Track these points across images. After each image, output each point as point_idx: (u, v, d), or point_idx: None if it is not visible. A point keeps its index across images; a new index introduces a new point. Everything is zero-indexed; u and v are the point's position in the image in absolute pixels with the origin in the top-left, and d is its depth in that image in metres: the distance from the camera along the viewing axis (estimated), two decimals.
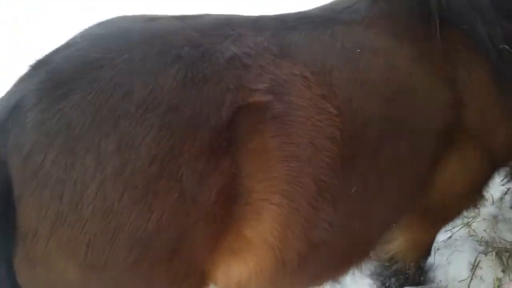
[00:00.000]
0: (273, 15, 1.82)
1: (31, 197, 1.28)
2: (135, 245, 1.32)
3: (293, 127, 1.51)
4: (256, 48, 1.55)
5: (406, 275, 2.46)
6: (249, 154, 1.44)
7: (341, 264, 1.86)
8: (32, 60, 1.47)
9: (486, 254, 2.73)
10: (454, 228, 2.89)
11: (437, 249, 2.81)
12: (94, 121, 1.28)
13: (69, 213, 1.27)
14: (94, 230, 1.28)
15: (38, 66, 1.41)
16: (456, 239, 2.86)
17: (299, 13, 1.88)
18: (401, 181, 1.78)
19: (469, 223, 2.96)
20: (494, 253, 2.72)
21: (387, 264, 2.37)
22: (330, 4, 2.01)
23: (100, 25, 1.57)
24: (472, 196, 2.04)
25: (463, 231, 2.92)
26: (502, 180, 2.76)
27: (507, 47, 1.88)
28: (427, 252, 2.48)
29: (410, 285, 2.49)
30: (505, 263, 2.67)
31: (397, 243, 2.16)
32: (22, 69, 1.46)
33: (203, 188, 1.36)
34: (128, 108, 1.29)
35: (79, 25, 1.64)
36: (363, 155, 1.64)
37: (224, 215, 1.44)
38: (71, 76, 1.33)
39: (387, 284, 2.54)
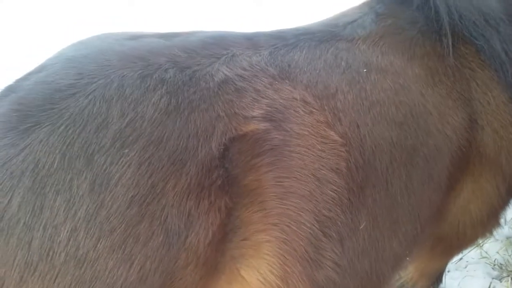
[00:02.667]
0: (271, 31, 1.65)
1: None
2: None
3: (293, 159, 1.34)
4: (252, 70, 1.38)
5: None
6: (244, 189, 1.27)
7: None
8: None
9: (500, 280, 2.55)
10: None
11: (448, 271, 2.63)
12: (64, 159, 1.10)
13: (39, 262, 1.09)
14: (68, 280, 1.10)
15: (6, 94, 1.24)
16: (467, 261, 2.69)
17: (299, 28, 1.71)
18: (414, 211, 1.60)
19: (481, 245, 2.79)
20: (510, 278, 2.53)
21: None
22: (332, 18, 1.84)
23: (76, 45, 1.40)
24: (488, 223, 1.86)
25: (474, 253, 2.74)
26: None
27: None
28: (438, 279, 2.29)
29: None
30: None
31: (407, 270, 1.99)
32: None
33: (196, 229, 1.18)
34: (102, 142, 1.12)
35: (70, 39, 1.47)
36: (373, 186, 1.47)
37: (217, 256, 1.26)
38: (39, 106, 1.15)
39: None
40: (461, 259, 2.72)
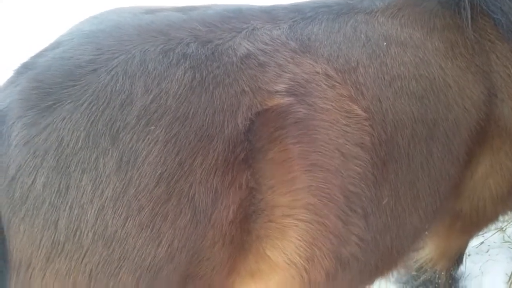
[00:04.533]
0: (288, 5, 1.58)
1: (21, 225, 1.07)
2: (143, 274, 1.11)
3: (318, 133, 1.29)
4: (273, 44, 1.32)
5: (436, 285, 2.25)
6: (270, 165, 1.22)
7: (370, 278, 1.65)
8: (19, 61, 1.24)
9: None
10: (486, 233, 2.63)
11: (468, 255, 2.56)
12: (88, 136, 1.05)
13: (66, 242, 1.06)
14: (96, 260, 1.07)
15: (22, 71, 1.18)
16: (489, 245, 2.61)
17: (315, 1, 1.64)
18: (434, 186, 1.56)
19: (504, 228, 2.69)
20: None
21: (415, 273, 2.16)
22: None
23: (91, 20, 1.33)
24: (509, 199, 1.82)
25: (497, 237, 2.66)
26: None
27: None
28: (458, 260, 2.26)
29: None
30: None
31: (426, 251, 1.96)
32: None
33: (219, 207, 1.15)
34: (127, 119, 1.07)
35: (75, 17, 1.41)
36: (395, 161, 1.43)
37: (243, 235, 1.22)
38: (59, 83, 1.10)
39: None
40: (482, 243, 2.64)
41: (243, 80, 1.20)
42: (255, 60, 1.25)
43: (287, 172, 1.25)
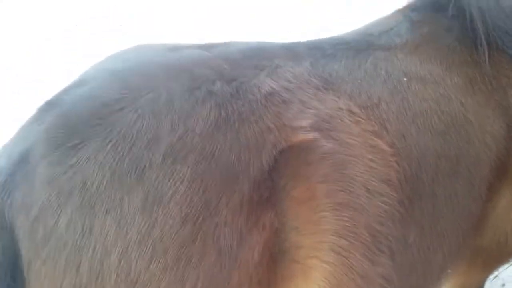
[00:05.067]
0: (307, 42, 1.59)
1: (43, 266, 1.03)
2: None
3: (345, 169, 1.27)
4: (296, 81, 1.31)
5: None
6: (294, 204, 1.19)
7: None
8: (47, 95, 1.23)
9: None
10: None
11: None
12: (114, 176, 1.03)
13: (88, 285, 1.02)
14: None
15: (47, 109, 1.17)
16: (503, 279, 2.54)
17: (333, 38, 1.65)
18: (457, 223, 1.52)
19: None
20: None
21: None
22: (365, 27, 1.77)
23: (115, 58, 1.33)
24: None
25: (511, 270, 2.59)
26: None
27: None
28: None
29: None
30: None
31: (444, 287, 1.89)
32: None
33: (244, 248, 1.11)
34: (153, 158, 1.05)
35: (104, 47, 1.40)
36: (420, 198, 1.39)
37: (270, 276, 1.18)
38: (86, 122, 1.08)
39: None
40: (496, 276, 2.57)
41: (268, 118, 1.18)
42: (279, 97, 1.24)
43: (312, 212, 1.22)
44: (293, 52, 1.46)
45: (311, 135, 1.22)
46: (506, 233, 1.72)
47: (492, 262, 1.90)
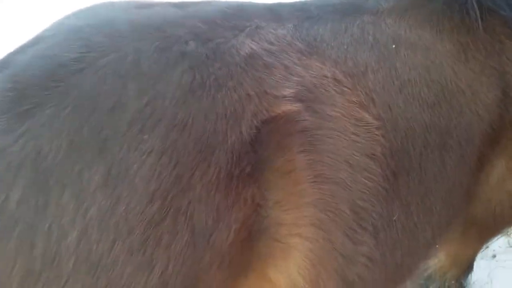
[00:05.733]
0: (292, 2, 1.46)
1: None
2: None
3: (325, 143, 1.16)
4: (279, 44, 1.19)
5: None
6: (276, 177, 1.09)
7: None
8: None
9: None
10: None
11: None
12: (71, 146, 0.90)
13: (43, 269, 0.90)
14: None
15: None
16: (494, 250, 2.49)
17: (320, 0, 1.52)
18: (447, 197, 1.45)
19: (509, 233, 2.57)
20: None
21: (423, 281, 2.03)
22: None
23: (78, 13, 1.17)
24: None
25: (502, 241, 2.54)
26: None
27: None
28: (469, 268, 2.14)
29: None
30: None
31: (436, 260, 1.83)
32: None
33: (220, 227, 1.00)
34: (117, 126, 0.92)
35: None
36: (406, 173, 1.31)
37: (244, 256, 1.08)
38: (39, 84, 0.94)
39: None
40: (487, 247, 2.51)
41: (248, 83, 1.06)
42: (260, 60, 1.11)
43: (294, 184, 1.12)
44: (276, 13, 1.33)
45: (294, 107, 1.10)
46: (502, 203, 1.66)
47: (487, 233, 1.85)
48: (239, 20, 1.21)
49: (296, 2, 1.47)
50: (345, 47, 1.32)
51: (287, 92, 1.11)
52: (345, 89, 1.24)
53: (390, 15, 1.46)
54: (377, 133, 1.24)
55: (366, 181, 1.22)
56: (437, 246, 1.55)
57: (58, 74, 0.94)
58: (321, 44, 1.29)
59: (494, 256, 2.47)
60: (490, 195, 1.63)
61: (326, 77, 1.21)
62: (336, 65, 1.26)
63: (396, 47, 1.38)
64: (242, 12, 1.26)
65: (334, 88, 1.22)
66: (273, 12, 1.32)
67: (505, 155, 1.57)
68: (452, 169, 1.42)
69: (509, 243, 2.56)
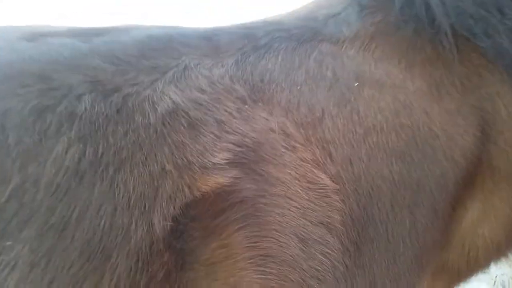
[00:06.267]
0: (235, 27, 1.19)
1: None
2: None
3: (271, 214, 0.92)
4: (213, 91, 0.92)
5: None
6: (206, 273, 0.83)
7: None
8: None
9: None
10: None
11: None
12: None
13: None
14: None
15: None
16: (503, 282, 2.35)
17: (270, 22, 1.25)
18: (418, 259, 1.24)
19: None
20: None
21: None
22: (307, 9, 1.38)
23: None
24: (507, 246, 1.53)
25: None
26: None
27: None
28: None
29: None
30: None
31: None
32: None
33: None
34: None
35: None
36: (371, 242, 1.08)
37: None
38: None
39: None
40: (495, 282, 2.36)
41: (165, 153, 0.79)
42: (184, 117, 0.84)
43: (231, 274, 0.86)
44: (214, 43, 1.06)
45: (228, 177, 0.84)
46: (477, 249, 1.46)
47: (458, 278, 1.66)
48: (163, 56, 0.93)
49: (239, 25, 1.20)
50: (299, 87, 1.07)
51: (220, 157, 0.85)
52: (297, 144, 0.99)
53: (353, 45, 1.22)
54: (335, 197, 1.01)
55: (322, 257, 0.98)
56: None
57: None
58: (269, 86, 1.03)
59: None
60: (463, 240, 1.44)
61: (273, 131, 0.96)
62: (286, 114, 1.01)
63: (359, 86, 1.15)
64: (169, 43, 0.98)
65: (283, 144, 0.97)
66: (210, 41, 1.05)
67: (480, 198, 1.38)
68: (424, 227, 1.21)
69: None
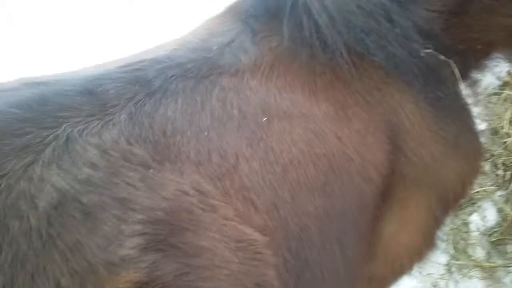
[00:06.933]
0: (121, 67, 1.02)
1: None
2: None
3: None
4: (107, 163, 0.76)
5: None
6: None
7: None
8: None
9: None
10: None
11: None
12: None
13: None
14: None
15: None
16: None
17: (159, 59, 1.09)
18: (350, 281, 1.20)
19: None
20: None
21: None
22: (199, 36, 1.25)
23: None
24: (425, 249, 1.56)
25: None
26: None
27: (432, 51, 1.36)
28: None
29: None
30: None
31: None
32: None
33: None
34: None
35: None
36: (309, 283, 1.01)
37: None
38: None
39: None
40: None
41: (56, 263, 0.62)
42: (76, 207, 0.68)
43: None
44: (98, 96, 0.88)
45: (143, 267, 0.69)
46: (401, 257, 1.47)
47: (385, 285, 1.67)
48: (36, 128, 0.74)
49: (125, 64, 1.03)
50: (206, 134, 0.95)
51: (129, 246, 0.70)
52: (215, 202, 0.87)
53: (254, 75, 1.12)
54: (267, 252, 0.91)
55: None
56: None
57: None
58: (174, 138, 0.89)
59: None
60: (386, 251, 1.44)
61: (187, 193, 0.83)
62: (198, 169, 0.88)
63: (268, 121, 1.06)
64: (43, 108, 0.79)
65: (200, 205, 0.84)
66: (94, 96, 0.88)
67: (397, 207, 1.38)
68: (352, 251, 1.17)
69: None
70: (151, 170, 0.80)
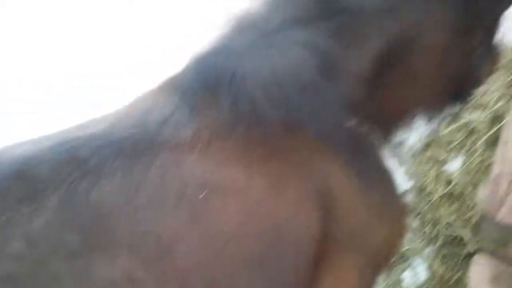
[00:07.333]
0: (52, 148, 0.98)
1: None
2: None
3: None
4: (34, 253, 0.72)
5: None
6: None
7: None
8: None
9: None
10: None
11: None
12: None
13: None
14: None
15: None
16: None
17: (97, 135, 1.08)
18: None
19: None
20: None
21: None
22: (133, 114, 1.24)
23: None
24: None
25: None
26: None
27: (356, 121, 1.42)
28: None
29: None
30: None
31: None
32: None
33: None
34: None
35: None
36: None
37: None
38: None
39: None
40: None
41: None
42: None
43: None
44: (28, 179, 0.85)
45: None
46: None
47: None
48: None
49: (58, 144, 0.99)
50: (142, 213, 0.94)
51: None
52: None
53: (193, 149, 1.14)
54: None
55: None
56: None
57: None
58: (108, 222, 0.87)
59: None
60: None
61: (116, 284, 0.80)
62: (130, 255, 0.86)
63: (206, 196, 1.06)
64: None
65: None
66: (23, 179, 0.84)
67: (330, 272, 1.40)
68: None
69: None
70: (80, 260, 0.77)
